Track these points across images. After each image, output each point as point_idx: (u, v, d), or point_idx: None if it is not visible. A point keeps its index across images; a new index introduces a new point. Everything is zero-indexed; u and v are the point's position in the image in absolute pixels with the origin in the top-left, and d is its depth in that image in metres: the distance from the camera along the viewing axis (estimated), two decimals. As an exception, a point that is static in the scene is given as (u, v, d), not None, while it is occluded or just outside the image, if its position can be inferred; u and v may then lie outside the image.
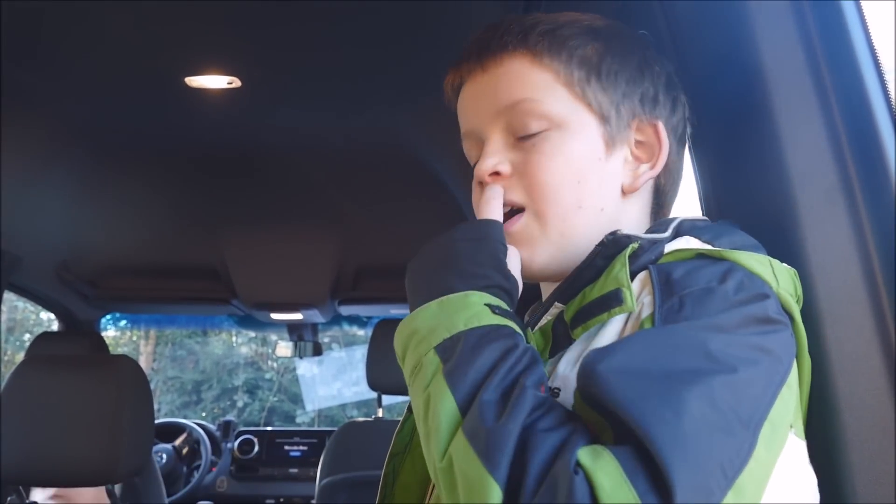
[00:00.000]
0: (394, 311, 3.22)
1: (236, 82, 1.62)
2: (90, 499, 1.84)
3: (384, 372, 2.51)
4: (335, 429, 2.85)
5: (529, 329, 0.68)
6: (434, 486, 0.77)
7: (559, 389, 0.60)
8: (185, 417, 4.06)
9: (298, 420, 7.05)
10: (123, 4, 1.32)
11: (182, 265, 2.85)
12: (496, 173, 0.72)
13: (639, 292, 0.60)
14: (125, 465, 1.47)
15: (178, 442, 3.47)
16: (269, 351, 7.43)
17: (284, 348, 3.70)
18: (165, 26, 1.42)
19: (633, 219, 0.74)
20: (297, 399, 7.15)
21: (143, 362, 7.29)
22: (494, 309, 0.60)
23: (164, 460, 3.31)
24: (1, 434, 1.47)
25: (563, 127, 0.71)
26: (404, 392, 2.63)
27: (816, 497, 0.57)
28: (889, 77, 0.66)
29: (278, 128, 1.91)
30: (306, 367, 6.54)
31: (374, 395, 2.85)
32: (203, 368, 7.58)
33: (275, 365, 7.56)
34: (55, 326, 3.17)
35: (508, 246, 0.67)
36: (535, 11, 1.24)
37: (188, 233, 2.60)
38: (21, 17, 1.35)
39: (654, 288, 0.58)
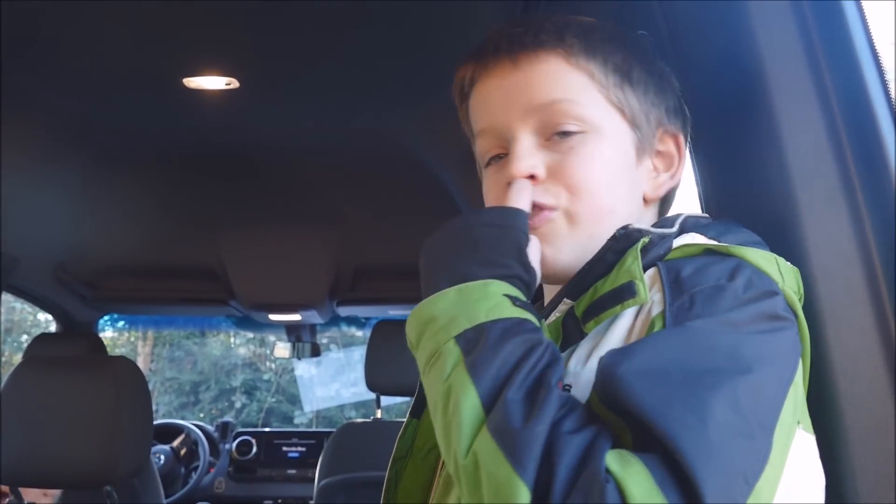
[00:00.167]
0: (392, 311, 3.21)
1: (234, 83, 1.62)
2: None
3: (383, 373, 2.51)
4: (333, 430, 2.85)
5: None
6: (435, 489, 0.77)
7: (570, 386, 0.60)
8: (182, 418, 4.05)
9: (296, 421, 7.04)
10: (121, 5, 1.31)
11: (180, 266, 2.84)
12: (532, 176, 0.70)
13: (648, 289, 0.60)
14: (123, 467, 1.47)
15: (176, 443, 3.47)
16: (268, 352, 7.42)
17: (282, 349, 3.70)
18: (163, 27, 1.41)
19: (647, 225, 0.74)
20: (295, 400, 7.15)
21: (141, 363, 7.28)
22: (515, 301, 0.59)
23: (162, 461, 3.31)
24: (0, 435, 1.47)
25: (599, 131, 0.70)
26: (403, 393, 2.65)
27: (822, 490, 0.58)
28: (890, 77, 0.66)
29: (276, 129, 1.91)
30: (304, 368, 6.54)
31: (372, 395, 2.85)
32: (201, 369, 7.58)
33: (273, 366, 7.55)
34: (53, 328, 3.17)
35: (531, 237, 0.66)
36: (534, 11, 1.25)
37: (186, 234, 2.60)
38: (19, 17, 1.35)
39: (663, 285, 0.58)
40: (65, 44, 1.47)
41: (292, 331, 3.55)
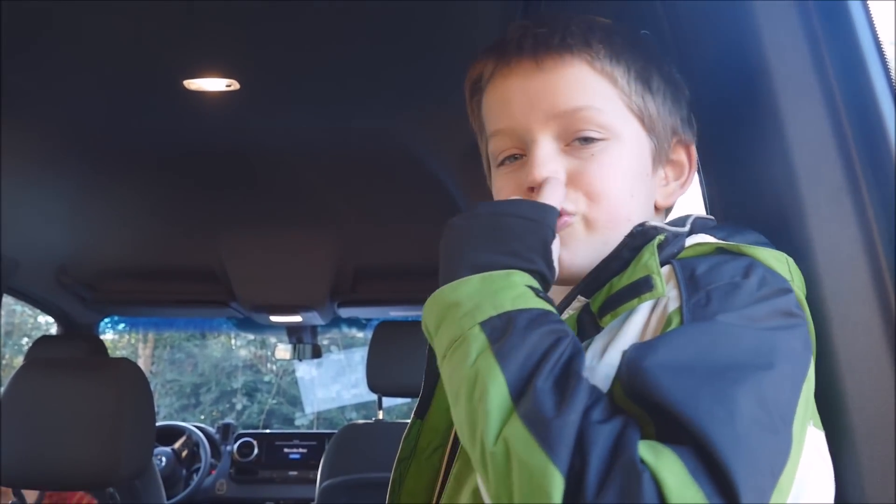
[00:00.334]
0: (393, 313, 3.21)
1: (235, 85, 1.62)
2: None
3: (384, 374, 2.51)
4: (334, 431, 2.84)
5: None
6: (438, 487, 0.76)
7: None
8: (183, 420, 4.05)
9: (297, 422, 7.04)
10: (121, 7, 1.31)
11: (180, 268, 2.84)
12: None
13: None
14: (126, 469, 1.47)
15: (177, 445, 3.47)
16: (268, 353, 7.42)
17: (283, 351, 3.69)
18: (164, 29, 1.41)
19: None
20: (296, 401, 7.15)
21: (142, 365, 7.26)
22: (538, 292, 0.60)
23: (163, 463, 3.31)
24: (2, 437, 1.47)
25: (620, 138, 0.70)
26: (404, 394, 2.65)
27: (832, 485, 0.58)
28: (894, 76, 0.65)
29: (277, 130, 1.91)
30: (305, 370, 6.54)
31: (373, 397, 2.85)
32: (202, 371, 7.58)
33: (274, 367, 7.55)
34: (54, 330, 3.17)
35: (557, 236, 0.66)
36: (535, 11, 1.25)
37: (187, 236, 2.60)
38: (19, 19, 1.35)
39: (678, 282, 0.59)
40: (65, 46, 1.47)
41: (293, 332, 3.55)
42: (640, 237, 0.66)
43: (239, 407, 7.24)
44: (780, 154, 0.68)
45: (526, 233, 0.63)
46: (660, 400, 0.50)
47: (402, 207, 2.38)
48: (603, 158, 0.69)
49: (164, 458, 3.32)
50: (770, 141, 0.70)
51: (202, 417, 7.09)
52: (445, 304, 0.60)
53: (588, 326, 0.65)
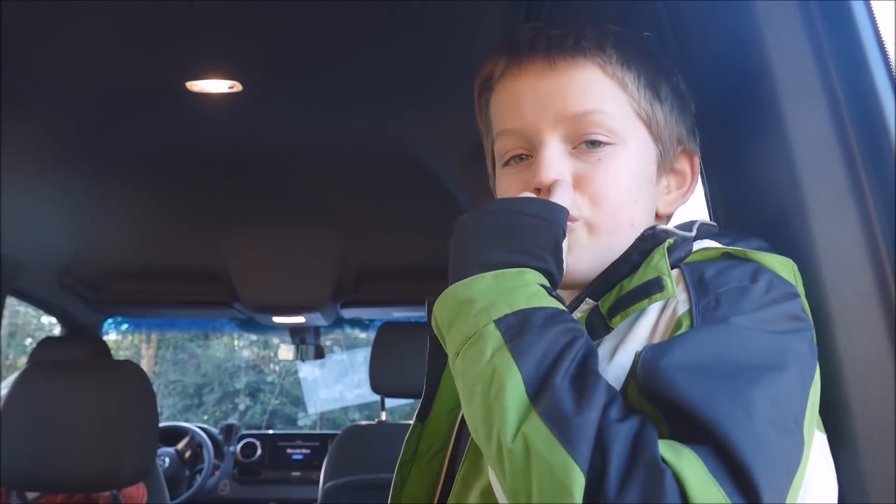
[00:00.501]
0: (396, 313, 3.21)
1: (237, 86, 1.62)
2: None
3: (387, 375, 2.51)
4: (337, 432, 2.85)
5: None
6: (440, 494, 0.77)
7: None
8: (186, 421, 4.05)
9: (300, 423, 7.05)
10: (124, 9, 1.31)
11: (184, 269, 2.85)
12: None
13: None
14: (129, 470, 1.47)
15: (180, 445, 3.47)
16: (271, 354, 7.43)
17: (286, 351, 3.70)
18: (166, 31, 1.41)
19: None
20: (298, 402, 7.15)
21: (145, 366, 7.29)
22: (549, 291, 0.60)
23: (166, 464, 3.31)
24: (5, 439, 1.47)
25: (627, 143, 0.71)
26: (407, 395, 2.65)
27: (835, 488, 0.59)
28: (898, 76, 0.65)
29: (279, 131, 1.91)
30: (308, 370, 6.55)
31: (375, 397, 2.85)
32: (205, 372, 7.59)
33: (276, 368, 7.56)
34: (57, 331, 3.18)
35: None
36: (539, 11, 1.24)
37: (190, 237, 2.60)
38: (22, 20, 1.35)
39: (687, 285, 0.60)
40: (68, 48, 1.47)
41: (296, 333, 3.55)
42: (650, 240, 0.66)
43: (242, 407, 7.25)
44: (783, 155, 0.68)
45: (538, 231, 0.63)
46: (677, 400, 0.50)
47: (405, 208, 2.38)
48: (610, 163, 0.70)
49: (167, 459, 3.33)
50: (773, 142, 0.69)
51: (205, 418, 7.10)
52: (459, 301, 0.60)
53: (597, 328, 0.65)
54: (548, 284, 0.61)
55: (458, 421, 0.79)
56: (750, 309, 0.57)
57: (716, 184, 0.81)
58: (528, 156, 0.73)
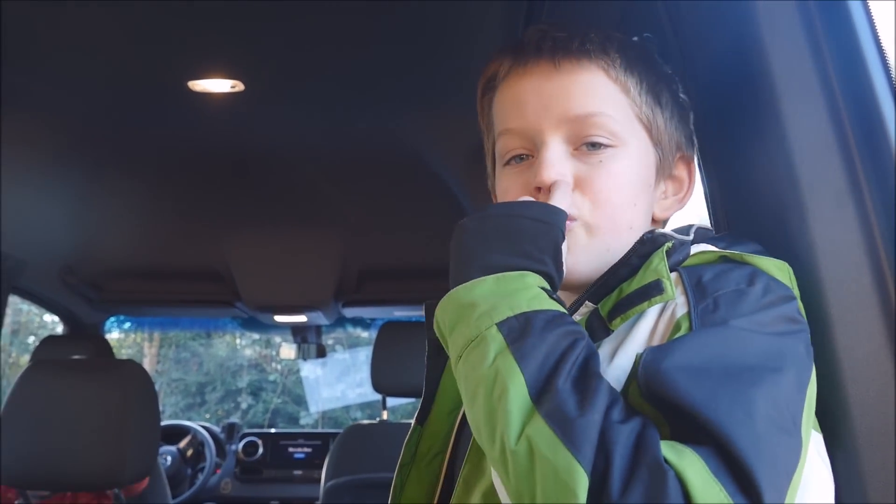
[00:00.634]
0: (397, 312, 3.22)
1: (239, 86, 1.62)
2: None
3: (389, 374, 2.51)
4: (339, 431, 2.85)
5: None
6: (440, 496, 0.77)
7: None
8: (189, 419, 4.06)
9: (302, 422, 7.05)
10: (127, 8, 1.32)
11: (186, 268, 2.85)
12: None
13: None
14: (131, 469, 1.47)
15: (182, 444, 3.48)
16: (273, 353, 7.44)
17: (288, 350, 3.70)
18: (168, 30, 1.41)
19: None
20: (300, 401, 7.16)
21: (147, 365, 7.30)
22: (550, 294, 0.61)
23: (168, 462, 3.32)
24: (8, 438, 1.47)
25: (628, 147, 0.72)
26: (408, 394, 2.65)
27: (832, 487, 0.59)
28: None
29: (281, 131, 1.91)
30: (310, 369, 6.55)
31: (377, 396, 2.85)
32: (207, 370, 7.59)
33: (278, 367, 7.56)
34: (60, 329, 3.18)
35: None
36: (539, 12, 1.25)
37: (192, 236, 2.61)
38: (25, 20, 1.36)
39: (685, 288, 0.61)
40: (70, 47, 1.47)
41: (298, 332, 3.56)
42: (649, 244, 0.67)
43: (244, 406, 7.26)
44: (782, 156, 0.68)
45: (538, 235, 0.63)
46: (678, 401, 0.51)
47: (407, 208, 2.39)
48: (611, 166, 0.70)
49: (169, 458, 3.33)
50: (772, 143, 0.69)
51: (207, 416, 7.11)
52: (461, 305, 0.60)
53: (597, 330, 0.65)
54: (548, 287, 0.62)
55: (458, 423, 0.80)
56: (748, 311, 0.57)
57: (715, 184, 0.82)
58: (528, 156, 0.74)
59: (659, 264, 0.63)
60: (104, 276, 2.82)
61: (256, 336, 7.19)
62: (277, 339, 5.09)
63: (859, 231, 0.63)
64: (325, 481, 2.48)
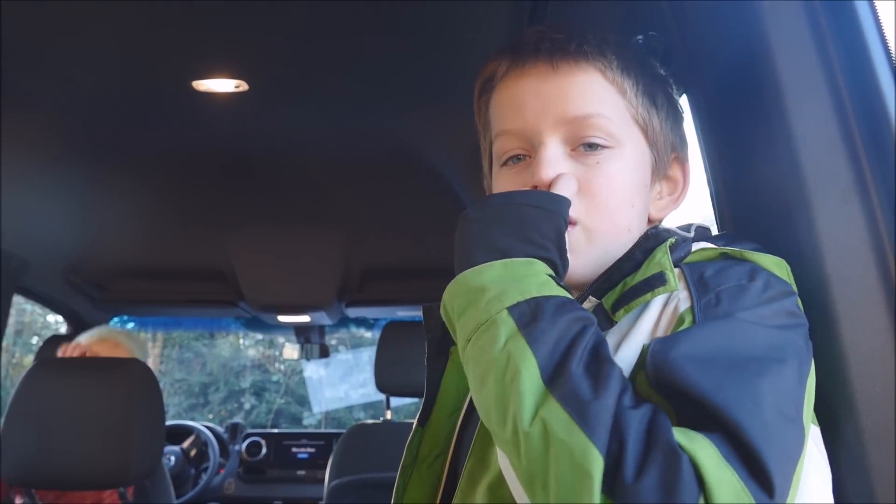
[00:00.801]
0: (400, 312, 3.22)
1: (243, 86, 1.62)
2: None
3: (393, 374, 2.51)
4: (342, 431, 2.85)
5: None
6: (442, 496, 0.77)
7: None
8: (192, 419, 4.06)
9: (305, 422, 7.05)
10: (131, 8, 1.32)
11: (189, 268, 2.85)
12: None
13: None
14: (136, 468, 1.48)
15: (186, 444, 3.48)
16: (276, 353, 7.44)
17: (291, 350, 3.70)
18: (173, 30, 1.42)
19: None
20: (303, 401, 7.17)
21: (151, 364, 7.27)
22: (558, 281, 0.62)
23: (172, 462, 3.32)
24: (14, 437, 1.48)
25: (624, 148, 0.72)
26: (412, 394, 2.65)
27: (829, 478, 0.60)
28: (902, 75, 0.65)
29: (285, 131, 1.91)
30: (313, 370, 6.55)
31: (380, 396, 2.85)
32: (210, 371, 7.60)
33: (282, 367, 7.57)
34: (63, 329, 3.19)
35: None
36: (543, 11, 1.25)
37: (195, 235, 2.61)
38: (28, 21, 1.36)
39: (688, 283, 0.61)
40: (75, 47, 1.48)
41: (301, 332, 3.56)
42: (653, 239, 0.68)
43: (247, 406, 7.26)
44: (788, 155, 0.68)
45: (541, 222, 0.64)
46: (687, 388, 0.52)
47: (410, 208, 2.39)
48: (608, 167, 0.71)
49: (172, 458, 3.34)
50: (778, 141, 0.70)
51: (210, 416, 7.11)
52: (470, 289, 0.61)
53: (601, 323, 0.65)
54: (554, 275, 0.62)
55: (459, 425, 0.80)
56: (750, 305, 0.58)
57: (721, 182, 0.82)
58: (526, 156, 0.74)
59: (662, 257, 0.64)
60: (108, 275, 2.82)
61: (260, 336, 7.20)
62: (281, 340, 5.09)
63: (865, 228, 0.63)
64: (329, 481, 2.49)
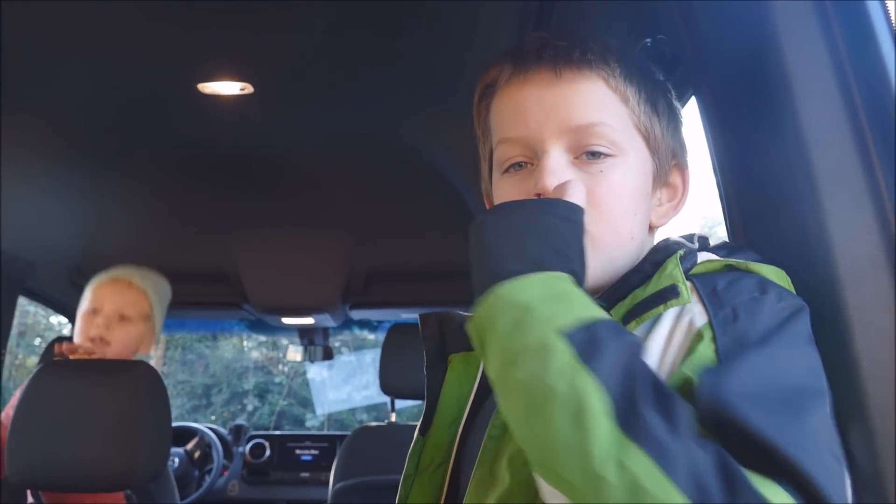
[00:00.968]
0: (404, 315, 3.22)
1: (249, 88, 1.62)
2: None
3: (397, 376, 2.51)
4: (346, 433, 2.85)
5: None
6: (443, 503, 0.77)
7: None
8: (195, 421, 4.06)
9: (308, 424, 7.06)
10: (136, 10, 1.32)
11: (193, 269, 2.85)
12: None
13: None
14: (143, 470, 1.47)
15: (190, 446, 3.48)
16: (280, 355, 7.45)
17: (295, 352, 3.70)
18: (178, 33, 1.42)
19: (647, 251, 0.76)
20: (306, 403, 7.17)
21: (154, 366, 7.31)
22: (594, 299, 0.60)
23: (176, 464, 3.32)
24: (19, 438, 1.47)
25: (626, 156, 0.72)
26: (417, 397, 2.65)
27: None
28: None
29: (290, 133, 1.91)
30: (316, 371, 6.56)
31: (383, 398, 2.85)
32: (213, 372, 7.61)
33: (285, 369, 7.58)
34: (66, 331, 3.19)
35: None
36: (550, 12, 1.24)
37: (200, 238, 2.61)
38: (31, 21, 1.36)
39: (701, 297, 0.61)
40: (80, 49, 1.48)
41: (305, 334, 3.56)
42: (662, 252, 0.68)
43: (250, 408, 7.27)
44: (799, 157, 0.68)
45: (566, 232, 0.62)
46: (746, 429, 0.50)
47: (415, 210, 2.39)
48: (612, 176, 0.71)
49: (176, 459, 3.34)
50: (789, 144, 0.69)
51: (213, 418, 7.12)
52: (513, 305, 0.56)
53: None
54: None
55: (459, 434, 0.80)
56: (770, 322, 0.58)
57: (731, 185, 0.81)
58: (528, 164, 0.74)
59: (674, 269, 0.64)
60: (112, 277, 2.82)
61: (263, 338, 7.21)
62: (284, 342, 5.10)
63: (878, 232, 0.62)
64: (334, 483, 2.49)
